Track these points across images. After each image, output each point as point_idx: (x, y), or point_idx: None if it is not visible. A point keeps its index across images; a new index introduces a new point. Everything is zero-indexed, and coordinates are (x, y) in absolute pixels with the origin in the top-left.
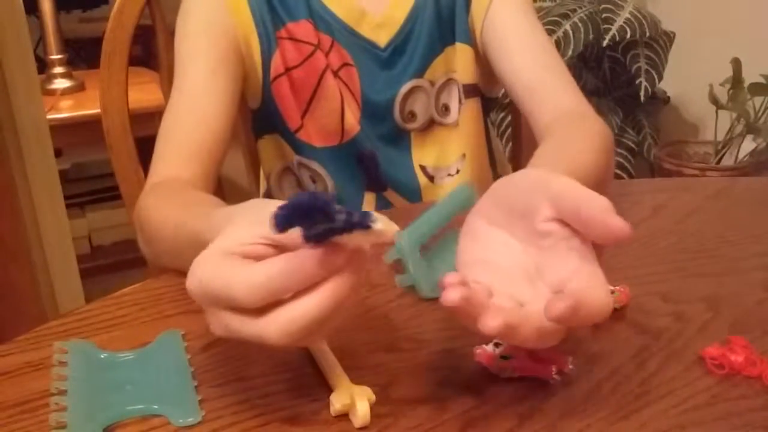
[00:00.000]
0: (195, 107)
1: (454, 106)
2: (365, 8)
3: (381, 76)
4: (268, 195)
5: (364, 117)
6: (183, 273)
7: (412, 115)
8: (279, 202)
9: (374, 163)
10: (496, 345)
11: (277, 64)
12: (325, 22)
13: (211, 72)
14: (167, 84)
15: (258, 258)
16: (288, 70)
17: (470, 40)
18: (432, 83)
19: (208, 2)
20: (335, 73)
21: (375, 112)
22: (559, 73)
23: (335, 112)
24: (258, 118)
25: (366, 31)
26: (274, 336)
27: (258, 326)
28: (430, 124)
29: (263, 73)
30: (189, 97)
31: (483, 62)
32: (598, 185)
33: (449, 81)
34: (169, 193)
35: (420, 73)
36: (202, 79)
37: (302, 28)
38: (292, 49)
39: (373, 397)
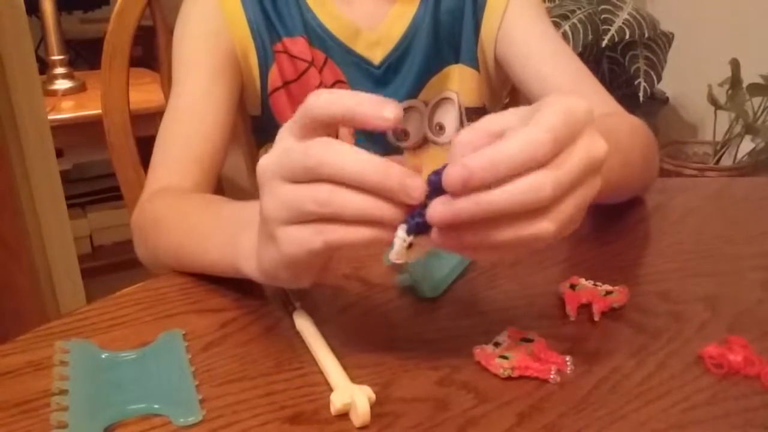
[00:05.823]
0: (193, 115)
1: (449, 124)
2: (360, 25)
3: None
4: None
5: (357, 133)
6: (184, 273)
7: (405, 134)
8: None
9: None
10: (496, 345)
11: (274, 78)
12: (319, 38)
13: (210, 81)
14: (168, 84)
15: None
16: (286, 83)
17: (476, 62)
18: (426, 103)
19: (205, 11)
20: None
21: (368, 130)
22: (587, 77)
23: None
24: (258, 126)
25: (361, 48)
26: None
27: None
28: (424, 143)
29: (261, 86)
30: (187, 105)
31: (492, 83)
32: (641, 174)
33: (444, 100)
34: (179, 195)
35: (414, 94)
36: (201, 87)
37: (297, 45)
38: (288, 63)
39: (373, 397)
